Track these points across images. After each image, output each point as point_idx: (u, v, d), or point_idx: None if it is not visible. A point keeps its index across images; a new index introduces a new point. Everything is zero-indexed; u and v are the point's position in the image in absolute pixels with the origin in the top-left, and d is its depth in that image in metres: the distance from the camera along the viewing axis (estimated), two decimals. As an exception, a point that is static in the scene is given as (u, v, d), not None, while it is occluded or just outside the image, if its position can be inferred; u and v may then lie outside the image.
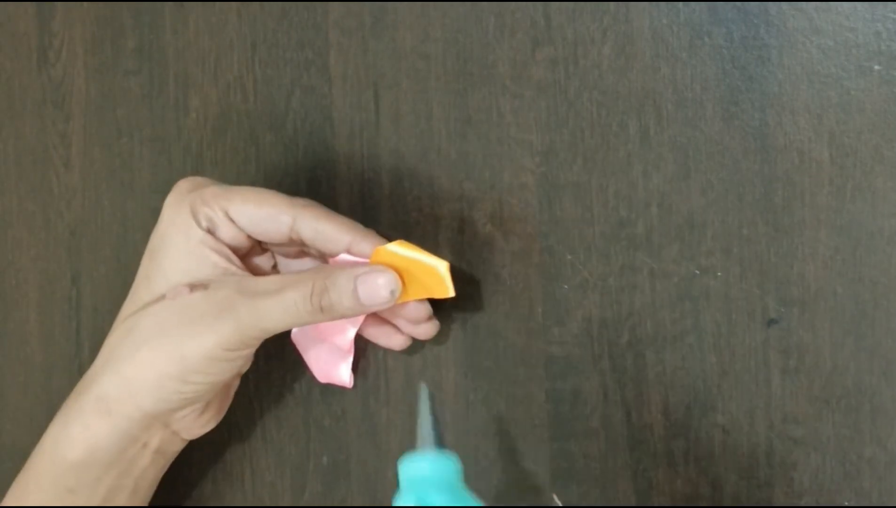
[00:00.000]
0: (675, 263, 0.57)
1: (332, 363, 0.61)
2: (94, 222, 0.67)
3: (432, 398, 0.50)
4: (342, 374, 0.61)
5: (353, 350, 0.60)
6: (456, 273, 0.56)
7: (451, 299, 0.61)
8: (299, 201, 0.56)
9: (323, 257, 0.58)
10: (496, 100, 0.59)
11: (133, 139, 0.66)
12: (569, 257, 0.58)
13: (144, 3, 0.65)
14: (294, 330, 0.61)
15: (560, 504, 0.57)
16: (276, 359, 0.64)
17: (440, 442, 0.49)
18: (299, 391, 0.64)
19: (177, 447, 0.59)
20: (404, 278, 0.55)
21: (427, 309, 0.58)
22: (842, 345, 0.55)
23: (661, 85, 0.56)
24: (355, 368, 0.62)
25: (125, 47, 0.66)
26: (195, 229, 0.55)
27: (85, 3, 0.67)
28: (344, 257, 0.56)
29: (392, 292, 0.54)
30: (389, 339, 0.60)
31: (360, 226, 0.56)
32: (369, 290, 0.54)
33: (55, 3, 0.67)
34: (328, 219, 0.55)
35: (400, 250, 0.55)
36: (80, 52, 0.67)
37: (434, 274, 0.55)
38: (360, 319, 0.59)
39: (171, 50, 0.65)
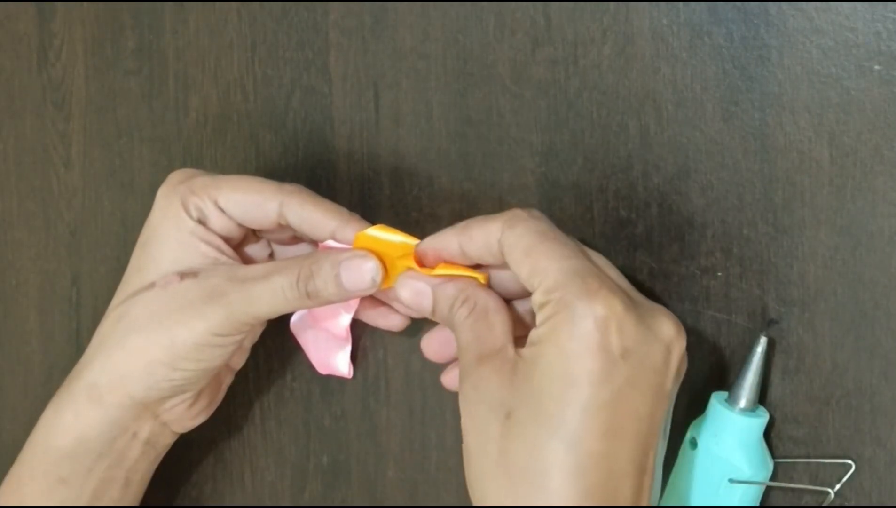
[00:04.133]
0: (675, 263, 0.57)
1: (329, 353, 0.61)
2: (94, 222, 0.67)
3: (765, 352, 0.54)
4: (340, 364, 0.61)
5: (349, 338, 0.60)
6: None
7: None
8: (287, 186, 0.56)
9: (315, 243, 0.59)
10: (496, 100, 0.59)
11: (133, 139, 0.66)
12: (569, 257, 0.58)
13: (144, 3, 0.65)
14: (292, 320, 0.61)
15: None
16: (277, 359, 0.64)
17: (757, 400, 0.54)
18: (299, 391, 0.64)
19: (167, 439, 0.60)
20: (387, 262, 0.55)
21: None
22: (842, 345, 0.55)
23: (661, 85, 0.56)
24: (354, 358, 0.62)
25: (125, 47, 0.66)
26: (186, 220, 0.56)
27: (85, 3, 0.67)
28: (330, 243, 0.56)
29: (373, 279, 0.54)
30: (387, 320, 0.59)
31: (346, 211, 0.56)
32: (352, 276, 0.54)
33: (55, 3, 0.67)
34: (314, 205, 0.56)
35: (380, 233, 0.55)
36: (80, 52, 0.67)
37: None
38: (355, 305, 0.59)
39: (171, 50, 0.65)
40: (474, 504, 0.49)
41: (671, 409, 0.51)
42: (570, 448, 0.46)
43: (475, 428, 0.49)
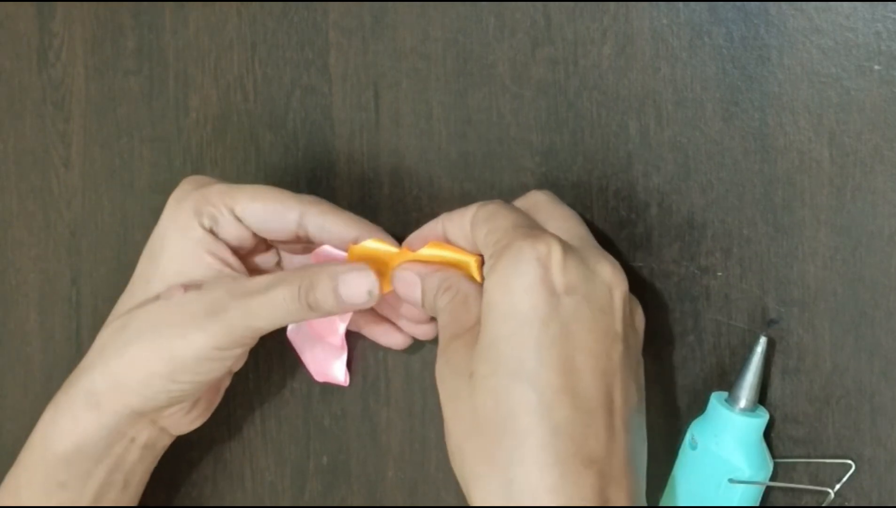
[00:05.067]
0: (675, 263, 0.57)
1: (326, 361, 0.61)
2: (94, 222, 0.67)
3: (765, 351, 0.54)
4: (337, 372, 0.61)
5: (345, 347, 0.60)
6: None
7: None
8: (305, 197, 0.56)
9: None
10: (496, 100, 0.59)
11: (133, 139, 0.66)
12: (569, 257, 0.58)
13: (144, 3, 0.65)
14: (289, 329, 0.61)
15: None
16: (277, 359, 0.64)
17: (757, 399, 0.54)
18: (299, 390, 0.64)
19: (165, 442, 0.60)
20: (385, 270, 0.55)
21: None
22: (842, 345, 0.55)
23: (661, 85, 0.56)
24: (350, 366, 0.62)
25: (125, 47, 0.66)
26: (194, 228, 0.56)
27: (85, 3, 0.67)
28: (326, 249, 0.56)
29: (370, 292, 0.54)
30: (389, 337, 0.60)
31: (366, 221, 0.56)
32: (349, 289, 0.54)
33: (55, 3, 0.67)
34: (335, 215, 0.56)
35: (376, 245, 0.55)
36: (80, 52, 0.67)
37: (465, 268, 0.54)
38: (349, 314, 0.59)
39: (171, 50, 0.65)
40: (458, 476, 0.49)
41: (640, 364, 0.51)
42: (530, 385, 0.47)
43: (447, 399, 0.50)
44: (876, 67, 0.53)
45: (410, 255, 0.55)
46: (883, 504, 0.55)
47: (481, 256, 0.53)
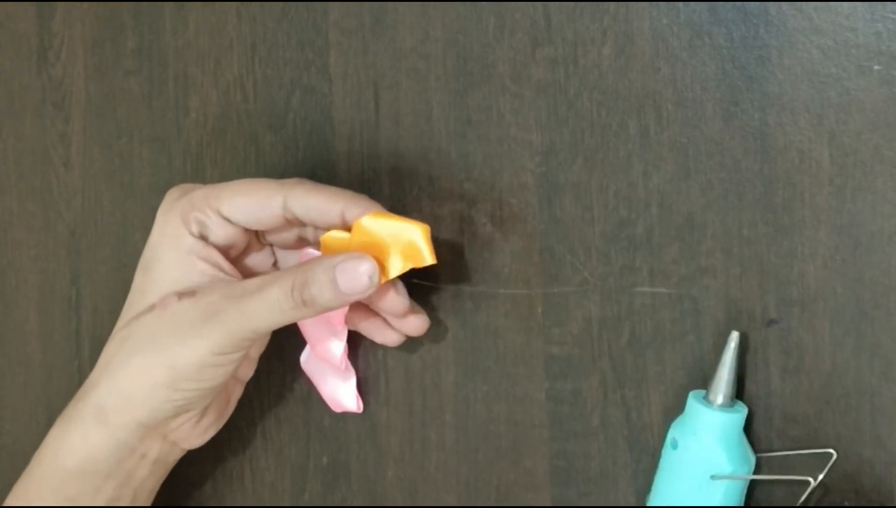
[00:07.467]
0: (675, 263, 0.57)
1: (337, 389, 0.61)
2: (94, 222, 0.67)
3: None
4: (346, 400, 0.61)
5: (350, 369, 0.60)
6: (448, 253, 0.56)
7: (451, 298, 0.60)
8: (287, 181, 0.56)
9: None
10: (496, 100, 0.59)
11: (133, 139, 0.66)
12: (569, 257, 0.58)
13: (144, 3, 0.65)
14: (302, 360, 0.61)
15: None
16: (276, 359, 0.64)
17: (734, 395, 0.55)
18: (299, 391, 0.64)
19: (176, 456, 0.60)
20: (382, 255, 0.54)
21: (404, 303, 0.57)
22: (842, 345, 0.55)
23: (661, 85, 0.56)
24: (361, 390, 0.62)
25: (125, 47, 0.66)
26: (184, 237, 0.56)
27: (85, 3, 0.67)
28: (309, 251, 0.56)
29: (371, 278, 0.53)
30: (383, 335, 0.59)
31: (350, 192, 0.56)
32: (348, 278, 0.53)
33: (55, 3, 0.67)
34: (318, 191, 0.55)
35: (375, 222, 0.54)
36: (80, 52, 0.67)
37: (411, 243, 0.54)
38: (344, 333, 0.59)
39: (171, 50, 0.65)
40: None
41: None
42: None
43: None
44: (876, 67, 0.53)
45: (361, 227, 0.54)
46: (883, 503, 0.55)
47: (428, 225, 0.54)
